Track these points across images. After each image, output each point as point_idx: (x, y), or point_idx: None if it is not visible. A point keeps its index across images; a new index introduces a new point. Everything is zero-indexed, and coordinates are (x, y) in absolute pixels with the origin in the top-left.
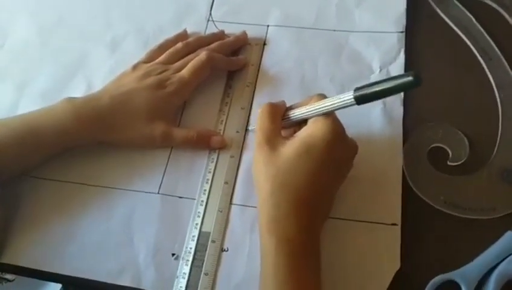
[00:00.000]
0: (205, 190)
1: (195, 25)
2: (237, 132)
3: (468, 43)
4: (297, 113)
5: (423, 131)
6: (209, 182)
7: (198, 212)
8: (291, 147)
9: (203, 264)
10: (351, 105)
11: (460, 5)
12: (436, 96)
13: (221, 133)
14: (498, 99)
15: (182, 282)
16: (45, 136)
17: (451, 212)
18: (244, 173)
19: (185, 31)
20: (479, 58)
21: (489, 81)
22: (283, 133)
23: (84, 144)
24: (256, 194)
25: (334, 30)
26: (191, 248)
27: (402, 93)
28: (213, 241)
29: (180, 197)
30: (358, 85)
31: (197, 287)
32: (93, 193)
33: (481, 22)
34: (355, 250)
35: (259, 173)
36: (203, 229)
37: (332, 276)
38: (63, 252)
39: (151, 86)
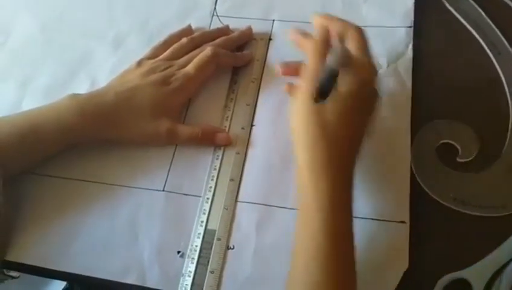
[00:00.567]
0: (210, 187)
1: (200, 20)
2: (242, 128)
3: (477, 37)
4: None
5: (432, 127)
6: (215, 179)
7: (204, 209)
8: (336, 103)
9: (208, 262)
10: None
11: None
12: (445, 91)
13: (227, 130)
14: (508, 94)
15: (188, 280)
16: (48, 133)
17: (460, 209)
18: (249, 170)
19: (190, 26)
20: (488, 52)
21: (498, 75)
22: None
23: (87, 141)
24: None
25: None
26: (196, 246)
27: (410, 88)
28: (219, 239)
29: (186, 195)
30: None
31: (203, 286)
32: (98, 191)
33: (490, 15)
34: (363, 248)
35: (298, 126)
36: (209, 227)
37: None
38: (67, 249)
39: (156, 82)
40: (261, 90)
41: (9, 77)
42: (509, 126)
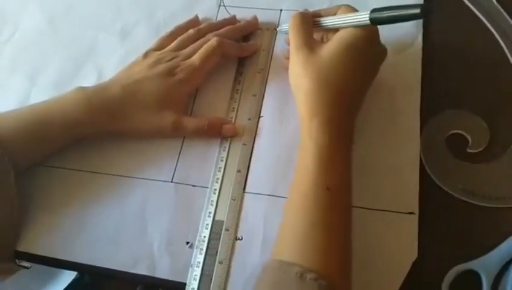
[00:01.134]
0: (218, 179)
1: (207, 11)
2: (249, 119)
3: (489, 26)
4: (328, 22)
5: (441, 117)
6: (222, 170)
7: (212, 200)
8: (330, 46)
9: (217, 252)
10: (365, 24)
11: None
12: (455, 81)
13: (233, 121)
14: None
15: (197, 271)
16: (57, 126)
17: (470, 200)
18: (256, 160)
19: (196, 17)
20: (500, 41)
21: (510, 65)
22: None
23: (95, 133)
24: (293, 98)
25: None
26: (204, 237)
27: (419, 78)
28: (227, 230)
29: (194, 186)
30: None
31: (212, 276)
32: (107, 182)
33: (503, 4)
34: (372, 239)
35: (298, 75)
36: (217, 218)
37: None
38: (77, 240)
39: (162, 73)
40: (268, 81)
41: (17, 69)
42: None
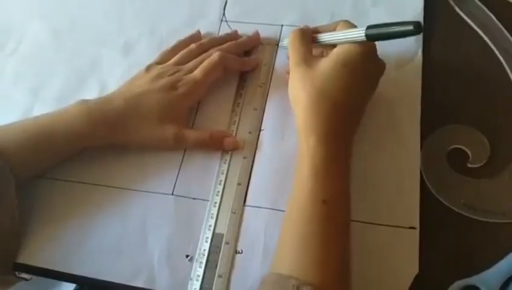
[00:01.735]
0: (218, 192)
1: (209, 26)
2: (250, 132)
3: (488, 42)
4: (326, 38)
5: (442, 132)
6: (222, 183)
7: (212, 213)
8: (327, 61)
9: (216, 266)
10: (362, 40)
11: (479, 3)
12: (455, 96)
13: (234, 134)
14: None
15: (196, 284)
16: (59, 138)
17: (471, 215)
18: (257, 174)
19: (198, 32)
20: (499, 57)
21: (510, 80)
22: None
23: (97, 145)
24: (293, 113)
25: None
26: (204, 250)
27: (420, 93)
28: (227, 243)
29: (194, 199)
30: None
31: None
32: (108, 194)
33: (501, 20)
34: (373, 253)
35: (296, 90)
36: (217, 231)
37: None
38: (77, 252)
39: (163, 87)
40: (269, 95)
41: (20, 83)
42: None
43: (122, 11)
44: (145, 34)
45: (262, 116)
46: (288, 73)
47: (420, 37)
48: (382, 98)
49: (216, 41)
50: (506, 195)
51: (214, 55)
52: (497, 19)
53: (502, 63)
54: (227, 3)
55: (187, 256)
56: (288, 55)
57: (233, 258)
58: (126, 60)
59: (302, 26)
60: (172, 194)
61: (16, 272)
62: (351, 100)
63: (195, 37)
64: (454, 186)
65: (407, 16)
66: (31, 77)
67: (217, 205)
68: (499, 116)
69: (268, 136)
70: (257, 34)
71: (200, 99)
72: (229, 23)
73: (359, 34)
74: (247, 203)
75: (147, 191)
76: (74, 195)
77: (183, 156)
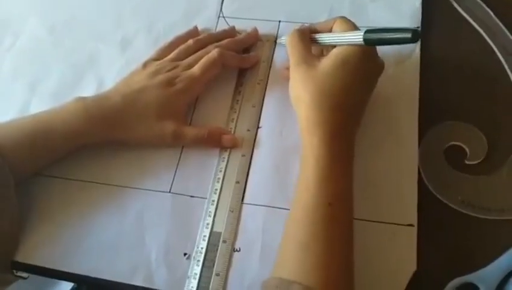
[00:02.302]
0: (216, 189)
1: (206, 22)
2: (248, 130)
3: (487, 38)
4: (325, 39)
5: (440, 129)
6: (220, 181)
7: (209, 211)
8: (327, 61)
9: (214, 264)
10: (360, 44)
11: None
12: (453, 93)
13: (232, 132)
14: None
15: (193, 282)
16: (56, 136)
17: (469, 212)
18: (255, 171)
19: (196, 28)
20: (498, 53)
21: (508, 77)
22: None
23: (95, 142)
24: (293, 110)
25: None
26: (202, 248)
27: (417, 90)
28: (224, 241)
29: (192, 197)
30: None
31: (209, 288)
32: (105, 192)
33: (500, 17)
34: (371, 251)
35: (298, 89)
36: (214, 229)
37: None
38: (75, 251)
39: (161, 83)
40: (267, 92)
41: (18, 79)
42: None
43: (120, 7)
44: (142, 29)
45: (261, 114)
46: (287, 69)
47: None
48: (380, 95)
49: (214, 37)
50: (504, 192)
51: (213, 51)
52: (495, 14)
53: (500, 60)
54: None
55: (185, 254)
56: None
57: (230, 257)
58: (124, 56)
59: (300, 25)
60: (169, 192)
61: (14, 271)
62: (352, 99)
63: (193, 33)
64: (452, 183)
65: (405, 12)
66: (29, 73)
67: (215, 202)
68: (497, 113)
69: (267, 134)
70: (255, 31)
71: (198, 96)
72: (226, 19)
73: (357, 38)
74: (245, 201)
75: (145, 189)
76: (72, 193)
77: (181, 154)
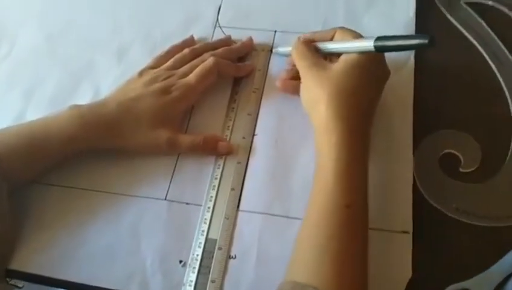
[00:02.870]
0: (211, 197)
1: (202, 31)
2: (243, 138)
3: (479, 48)
4: (333, 48)
5: (434, 137)
6: (216, 188)
7: (205, 218)
8: (339, 65)
9: (209, 271)
10: (370, 51)
11: (470, 10)
12: (447, 101)
13: (228, 139)
14: (510, 104)
15: (189, 289)
16: (52, 144)
17: (464, 220)
18: (250, 179)
19: (192, 37)
20: (490, 63)
21: (501, 86)
22: None
23: (90, 150)
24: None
25: None
26: (197, 255)
27: (412, 98)
28: (220, 249)
29: (187, 204)
30: None
31: None
32: (101, 199)
33: (492, 26)
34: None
35: (312, 91)
36: (210, 236)
37: None
38: (70, 258)
39: (157, 92)
40: (262, 100)
41: (14, 86)
42: None
43: (116, 16)
44: (138, 38)
45: (256, 121)
46: (281, 80)
47: None
48: None
49: (209, 47)
50: (498, 199)
51: (209, 60)
52: (487, 25)
53: (492, 68)
54: (221, 8)
55: (180, 261)
56: (289, 61)
57: (226, 264)
58: (120, 65)
59: (298, 35)
60: (165, 199)
61: (8, 279)
62: (366, 99)
63: (189, 42)
64: (447, 191)
65: (399, 22)
66: (24, 81)
67: (210, 210)
68: (490, 122)
69: (262, 141)
70: (250, 40)
71: (193, 104)
72: (222, 28)
73: (368, 45)
74: (241, 208)
75: (140, 196)
76: (67, 200)
77: (177, 161)
